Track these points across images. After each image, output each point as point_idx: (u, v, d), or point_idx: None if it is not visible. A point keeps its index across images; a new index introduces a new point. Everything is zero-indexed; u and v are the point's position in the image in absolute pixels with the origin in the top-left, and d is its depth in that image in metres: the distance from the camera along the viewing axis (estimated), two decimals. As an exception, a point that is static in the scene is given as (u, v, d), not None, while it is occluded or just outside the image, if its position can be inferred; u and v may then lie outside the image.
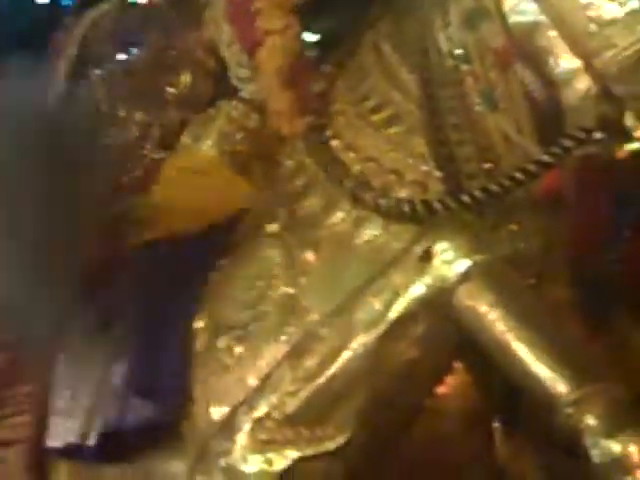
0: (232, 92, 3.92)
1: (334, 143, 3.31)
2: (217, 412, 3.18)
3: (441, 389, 3.08)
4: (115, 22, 4.05)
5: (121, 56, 4.01)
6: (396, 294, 2.98)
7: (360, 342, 2.99)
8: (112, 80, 4.00)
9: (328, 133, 3.33)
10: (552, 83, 3.12)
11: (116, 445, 3.31)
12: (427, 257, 2.98)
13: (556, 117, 3.12)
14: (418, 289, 2.97)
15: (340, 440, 2.97)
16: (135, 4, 4.07)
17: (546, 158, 3.04)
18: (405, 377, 3.01)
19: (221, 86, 3.96)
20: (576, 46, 3.04)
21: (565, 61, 3.08)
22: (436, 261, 2.97)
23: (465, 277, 2.94)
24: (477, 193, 3.07)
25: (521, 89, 3.15)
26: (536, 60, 3.13)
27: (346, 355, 2.99)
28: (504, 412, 3.08)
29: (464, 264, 2.95)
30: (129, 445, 3.31)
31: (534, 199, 3.13)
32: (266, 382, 3.07)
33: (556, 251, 3.15)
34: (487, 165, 3.14)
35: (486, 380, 3.06)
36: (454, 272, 2.95)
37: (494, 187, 3.07)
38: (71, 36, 4.08)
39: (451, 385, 3.09)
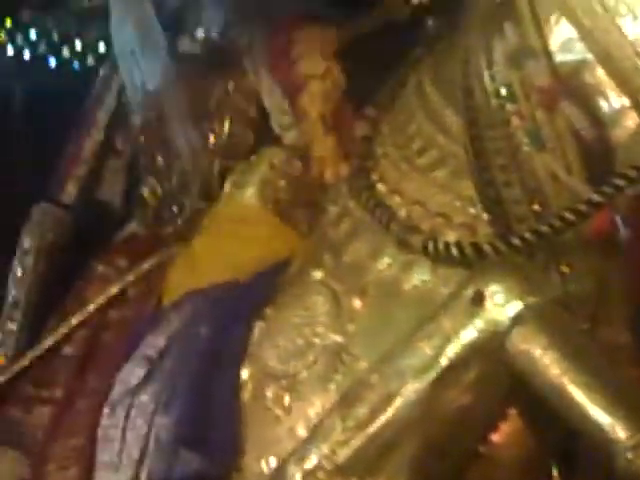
0: (273, 140, 3.89)
1: (379, 187, 3.25)
2: (267, 464, 3.11)
3: (495, 436, 3.01)
4: None
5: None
6: (447, 339, 2.92)
7: (411, 389, 2.93)
8: (151, 129, 3.96)
9: (373, 177, 3.27)
10: (600, 122, 3.05)
11: (164, 498, 3.27)
12: (478, 300, 2.92)
13: (605, 156, 3.06)
14: (470, 334, 2.91)
15: None
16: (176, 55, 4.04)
17: (597, 197, 2.97)
18: (458, 424, 2.95)
19: (262, 134, 3.93)
20: (624, 83, 2.98)
21: (613, 99, 3.02)
22: (488, 304, 2.90)
23: (518, 320, 2.88)
24: (527, 235, 3.00)
25: (568, 128, 3.08)
26: (583, 98, 3.07)
27: (397, 402, 2.93)
28: (561, 459, 3.00)
29: (516, 307, 2.89)
30: (177, 499, 3.27)
31: (585, 240, 3.06)
32: (316, 432, 3.01)
33: (611, 293, 3.08)
34: (536, 206, 3.07)
35: (541, 426, 2.99)
36: (506, 316, 2.89)
37: (544, 228, 3.00)
38: (108, 88, 4.04)
39: (505, 432, 3.02)
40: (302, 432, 3.08)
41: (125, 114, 4.03)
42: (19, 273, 3.78)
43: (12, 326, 3.73)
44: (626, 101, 2.99)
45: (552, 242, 3.03)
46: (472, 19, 3.22)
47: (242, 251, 3.61)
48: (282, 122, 3.85)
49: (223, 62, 3.96)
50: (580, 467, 3.00)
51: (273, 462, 3.10)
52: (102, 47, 6.60)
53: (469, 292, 2.94)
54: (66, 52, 7.31)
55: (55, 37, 7.30)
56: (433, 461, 2.94)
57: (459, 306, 2.94)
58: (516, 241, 3.01)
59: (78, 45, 7.26)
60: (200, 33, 4.04)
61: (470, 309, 2.92)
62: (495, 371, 2.92)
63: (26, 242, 3.80)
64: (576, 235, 3.04)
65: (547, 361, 2.83)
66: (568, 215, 2.98)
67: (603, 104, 3.03)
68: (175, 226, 3.82)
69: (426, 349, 2.93)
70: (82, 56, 7.25)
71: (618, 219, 3.06)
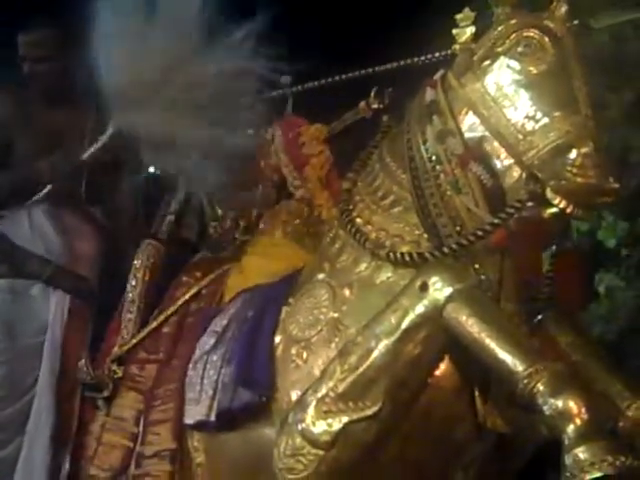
0: (288, 196, 3.76)
1: (358, 220, 3.09)
2: (294, 395, 2.93)
3: (437, 372, 2.83)
4: None
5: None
6: (405, 312, 2.76)
7: (384, 345, 2.76)
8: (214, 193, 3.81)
9: (354, 214, 3.11)
10: (496, 174, 2.90)
11: (229, 419, 3.08)
12: (424, 287, 2.75)
13: (500, 196, 2.90)
14: (420, 308, 2.74)
15: (374, 409, 2.74)
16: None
17: (496, 220, 2.82)
18: (414, 366, 2.77)
19: (281, 192, 3.79)
20: (510, 149, 2.84)
21: (504, 160, 2.87)
22: (430, 290, 2.74)
23: (450, 299, 2.72)
24: (454, 246, 2.85)
25: (476, 179, 2.93)
26: (484, 160, 2.92)
27: (375, 354, 2.76)
28: (480, 385, 2.81)
29: (449, 290, 2.73)
30: (237, 419, 3.08)
31: (489, 247, 2.89)
32: (324, 374, 2.83)
33: (507, 280, 2.91)
34: (457, 228, 2.91)
35: (465, 365, 2.81)
36: (443, 296, 2.72)
37: (464, 241, 2.85)
38: None
39: (443, 369, 2.84)
40: (316, 374, 2.90)
41: None
42: (133, 282, 3.61)
43: (130, 316, 3.55)
44: (511, 160, 2.84)
45: (469, 250, 2.87)
46: (411, 115, 3.09)
47: (273, 265, 3.45)
48: (294, 184, 3.72)
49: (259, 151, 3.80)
50: (492, 391, 2.81)
51: (296, 393, 2.92)
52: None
53: (418, 282, 2.78)
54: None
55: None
56: (399, 390, 2.76)
57: (412, 291, 2.78)
58: (446, 250, 2.86)
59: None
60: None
61: (419, 293, 2.76)
62: (436, 332, 2.74)
63: (137, 262, 3.63)
64: (483, 245, 2.88)
65: (470, 323, 2.67)
66: (479, 232, 2.83)
67: (497, 163, 2.89)
68: (229, 251, 3.67)
69: (392, 319, 2.77)
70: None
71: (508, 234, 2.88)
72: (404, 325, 2.74)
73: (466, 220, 2.91)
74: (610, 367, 2.95)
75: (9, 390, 3.44)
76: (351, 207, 3.14)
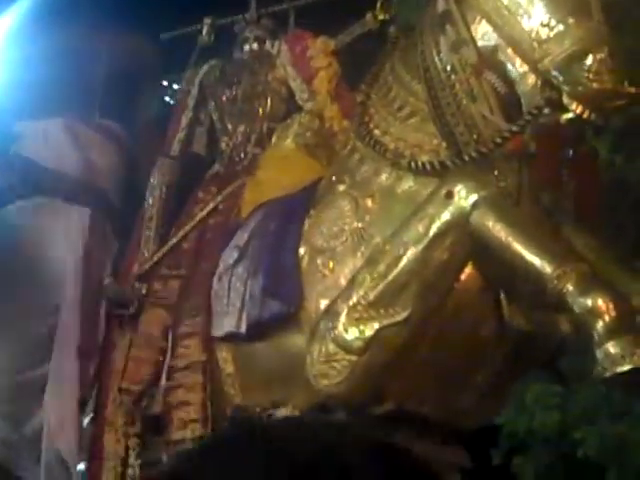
0: (297, 109, 3.80)
1: (375, 132, 3.15)
2: (322, 303, 3.03)
3: (463, 276, 2.93)
4: (221, 71, 3.89)
5: (227, 91, 3.86)
6: (432, 220, 2.85)
7: (412, 252, 2.85)
8: (223, 106, 3.85)
9: (371, 126, 3.17)
10: (510, 82, 2.96)
11: (258, 330, 3.18)
12: (449, 195, 2.84)
13: (515, 102, 2.96)
14: (446, 215, 2.83)
15: (405, 314, 2.84)
16: (233, 60, 3.92)
17: (515, 128, 2.89)
18: (442, 271, 2.87)
19: (290, 106, 3.83)
20: (525, 57, 2.89)
21: (518, 67, 2.92)
22: (456, 198, 2.83)
23: (475, 205, 2.81)
24: (474, 154, 2.92)
25: (490, 87, 2.99)
26: (498, 68, 2.97)
27: (404, 261, 2.85)
28: (505, 287, 2.92)
29: (474, 197, 2.81)
30: (267, 329, 3.18)
31: (507, 155, 2.97)
32: (353, 283, 2.93)
33: (526, 186, 2.99)
34: (475, 136, 2.98)
35: (491, 268, 2.90)
36: (468, 203, 2.81)
37: (483, 149, 2.92)
38: (192, 83, 3.93)
39: (469, 272, 2.93)
40: (343, 282, 3.00)
41: (204, 99, 3.90)
42: (150, 200, 3.67)
43: (149, 232, 3.61)
44: (526, 67, 2.89)
45: (488, 157, 2.94)
46: (424, 26, 3.13)
47: (287, 178, 3.52)
48: (302, 97, 3.76)
49: (262, 63, 3.84)
50: (516, 292, 2.91)
51: (325, 302, 3.02)
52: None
53: (443, 191, 2.86)
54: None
55: None
56: (428, 295, 2.86)
57: (437, 199, 2.87)
58: (467, 157, 2.93)
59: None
60: (247, 47, 3.92)
61: (444, 201, 2.85)
62: (463, 238, 2.84)
63: (153, 180, 3.69)
64: (501, 152, 2.95)
65: (497, 229, 2.77)
66: (498, 140, 2.90)
67: (512, 71, 2.94)
68: (242, 165, 3.72)
69: (419, 227, 2.86)
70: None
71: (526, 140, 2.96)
72: (431, 232, 2.83)
73: (482, 128, 2.97)
74: (624, 267, 3.06)
75: (37, 309, 3.51)
76: (367, 119, 3.20)
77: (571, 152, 2.99)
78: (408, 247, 2.85)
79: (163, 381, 3.39)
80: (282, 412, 3.14)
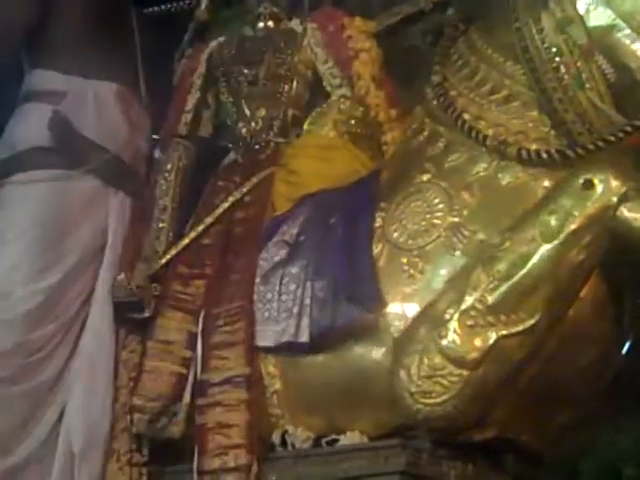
0: (322, 95, 3.36)
1: (465, 116, 2.74)
2: (409, 308, 2.59)
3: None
4: (237, 47, 3.40)
5: (246, 70, 3.36)
6: (569, 214, 2.45)
7: (544, 249, 2.44)
8: (240, 88, 3.36)
9: (457, 110, 2.76)
10: (625, 67, 2.62)
11: (326, 339, 2.69)
12: (589, 186, 2.46)
13: (625, 91, 2.62)
14: (588, 209, 2.45)
15: (531, 322, 2.43)
16: (251, 36, 3.43)
17: (637, 122, 2.55)
18: (577, 273, 2.48)
19: (314, 91, 3.38)
20: None
21: (637, 50, 2.58)
22: (598, 189, 2.45)
23: (624, 198, 2.44)
24: (590, 146, 2.56)
25: (600, 72, 2.63)
26: (611, 51, 2.62)
27: (534, 260, 2.44)
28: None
29: (621, 189, 2.45)
30: (330, 339, 2.69)
31: (622, 148, 2.61)
32: (463, 284, 2.49)
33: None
34: (587, 126, 2.62)
35: (628, 274, 2.56)
36: (615, 195, 2.44)
37: (600, 143, 2.57)
38: (197, 60, 3.42)
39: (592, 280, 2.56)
40: (437, 285, 2.57)
41: (213, 78, 3.40)
42: (164, 187, 3.14)
43: (163, 225, 3.08)
44: None
45: (603, 149, 2.58)
46: (517, 1, 2.74)
47: (333, 168, 3.07)
48: (333, 83, 3.31)
49: (287, 42, 3.37)
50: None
51: (412, 307, 2.58)
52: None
53: (580, 180, 2.48)
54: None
55: None
56: (558, 301, 2.46)
57: (573, 190, 2.48)
58: (591, 147, 2.57)
59: None
60: (261, 24, 3.44)
61: (582, 192, 2.46)
62: (602, 235, 2.46)
63: (167, 164, 3.17)
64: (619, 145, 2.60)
65: None
66: (620, 134, 2.56)
67: (629, 54, 2.61)
68: (266, 154, 3.23)
69: (551, 221, 2.46)
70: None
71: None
72: (568, 228, 2.44)
73: (593, 117, 2.63)
74: None
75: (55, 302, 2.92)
76: (448, 102, 2.79)
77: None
78: (538, 244, 2.44)
79: (187, 398, 2.84)
80: (350, 438, 2.66)
